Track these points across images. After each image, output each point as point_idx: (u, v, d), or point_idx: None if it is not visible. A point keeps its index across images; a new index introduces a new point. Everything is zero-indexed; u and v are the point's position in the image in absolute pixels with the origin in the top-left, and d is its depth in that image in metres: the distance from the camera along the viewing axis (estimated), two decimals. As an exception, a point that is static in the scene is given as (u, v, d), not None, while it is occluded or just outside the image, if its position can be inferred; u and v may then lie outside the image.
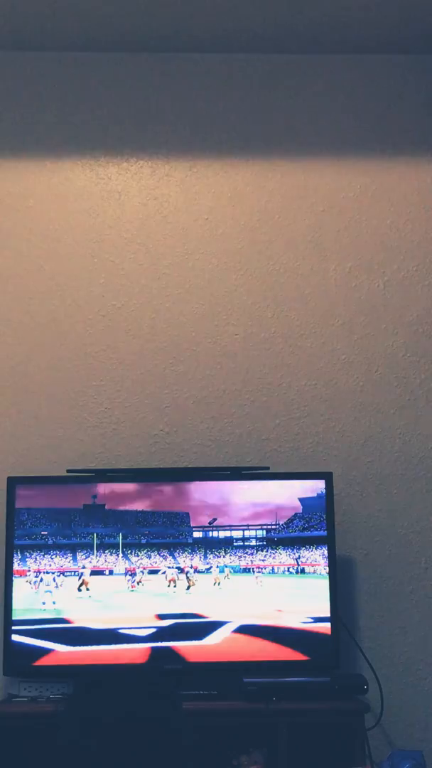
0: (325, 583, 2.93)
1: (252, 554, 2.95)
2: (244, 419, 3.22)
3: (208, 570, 2.94)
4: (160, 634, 2.89)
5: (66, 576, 2.93)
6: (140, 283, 3.28)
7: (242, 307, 3.28)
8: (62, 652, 2.87)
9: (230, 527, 2.96)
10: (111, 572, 2.93)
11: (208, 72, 3.37)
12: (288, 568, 2.95)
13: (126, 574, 2.93)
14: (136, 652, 2.87)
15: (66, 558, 2.94)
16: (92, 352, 3.24)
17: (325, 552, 2.94)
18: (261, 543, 2.96)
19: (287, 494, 2.96)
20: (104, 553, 2.94)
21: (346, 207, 3.34)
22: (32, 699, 2.86)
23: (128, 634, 2.89)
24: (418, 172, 3.36)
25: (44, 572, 2.92)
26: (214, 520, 2.95)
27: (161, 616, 2.91)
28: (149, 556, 2.94)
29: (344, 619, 3.01)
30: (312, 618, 2.91)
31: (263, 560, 2.95)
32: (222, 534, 2.95)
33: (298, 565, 2.95)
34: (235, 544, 2.96)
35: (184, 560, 2.94)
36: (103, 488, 2.97)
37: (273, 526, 2.96)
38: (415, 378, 3.27)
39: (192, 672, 2.88)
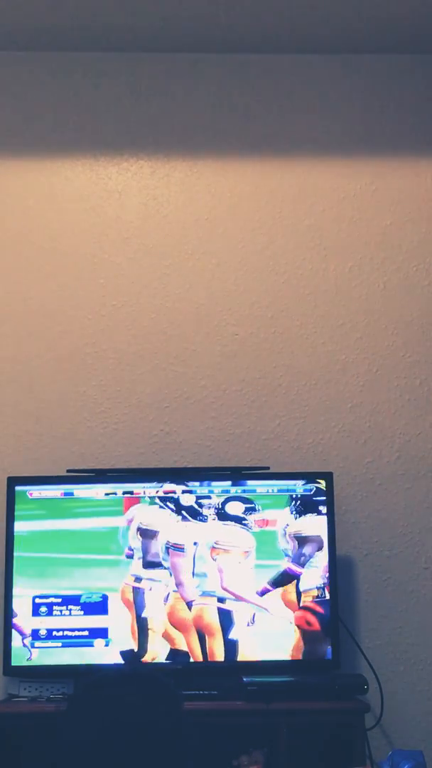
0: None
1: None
2: (244, 419, 3.22)
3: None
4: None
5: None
6: (140, 283, 3.28)
7: (242, 307, 3.28)
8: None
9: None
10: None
11: (208, 72, 3.37)
12: (288, 568, 2.96)
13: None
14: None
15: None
16: (92, 352, 3.24)
17: (326, 552, 2.94)
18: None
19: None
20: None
21: (346, 207, 3.34)
22: (32, 699, 2.86)
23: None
24: (418, 172, 3.36)
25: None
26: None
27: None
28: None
29: (344, 619, 3.01)
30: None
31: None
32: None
33: (299, 565, 2.95)
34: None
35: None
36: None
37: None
38: (415, 378, 3.27)
39: (192, 672, 2.88)
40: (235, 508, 2.94)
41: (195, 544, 2.92)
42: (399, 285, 3.31)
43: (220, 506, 2.94)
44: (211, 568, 2.92)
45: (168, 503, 2.93)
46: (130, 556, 2.91)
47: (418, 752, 2.67)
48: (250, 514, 2.93)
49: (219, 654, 2.87)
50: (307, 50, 3.36)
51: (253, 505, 2.94)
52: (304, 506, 2.95)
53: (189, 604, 2.89)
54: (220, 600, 2.90)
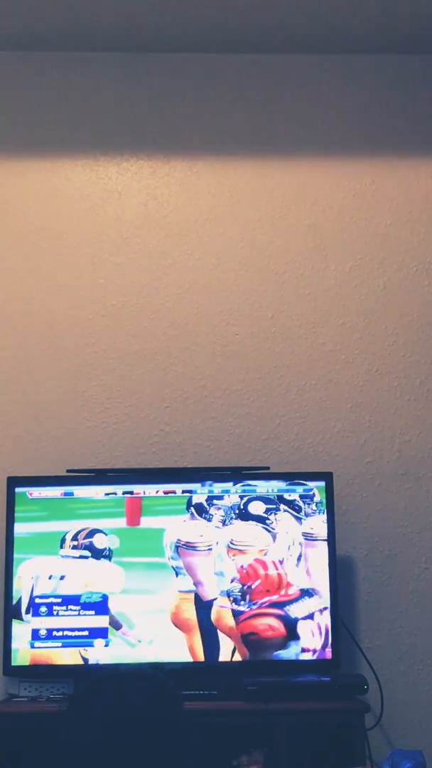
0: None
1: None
2: (244, 419, 3.22)
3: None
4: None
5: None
6: (140, 283, 3.28)
7: (242, 307, 3.28)
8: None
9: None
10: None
11: (208, 72, 3.37)
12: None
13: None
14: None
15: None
16: (92, 352, 3.24)
17: (326, 552, 2.94)
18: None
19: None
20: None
21: (346, 207, 3.34)
22: (32, 699, 2.86)
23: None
24: (418, 172, 3.36)
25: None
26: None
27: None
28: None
29: (344, 619, 3.01)
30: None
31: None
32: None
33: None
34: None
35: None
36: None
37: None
38: (415, 378, 3.27)
39: (192, 671, 2.88)
40: (256, 508, 2.94)
41: (217, 543, 2.92)
42: (399, 285, 3.31)
43: (243, 506, 2.93)
44: (229, 567, 2.91)
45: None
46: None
47: (418, 752, 2.67)
48: (273, 513, 2.93)
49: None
50: (306, 50, 3.36)
51: (275, 506, 2.94)
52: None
53: (208, 603, 2.89)
54: (236, 601, 2.90)
